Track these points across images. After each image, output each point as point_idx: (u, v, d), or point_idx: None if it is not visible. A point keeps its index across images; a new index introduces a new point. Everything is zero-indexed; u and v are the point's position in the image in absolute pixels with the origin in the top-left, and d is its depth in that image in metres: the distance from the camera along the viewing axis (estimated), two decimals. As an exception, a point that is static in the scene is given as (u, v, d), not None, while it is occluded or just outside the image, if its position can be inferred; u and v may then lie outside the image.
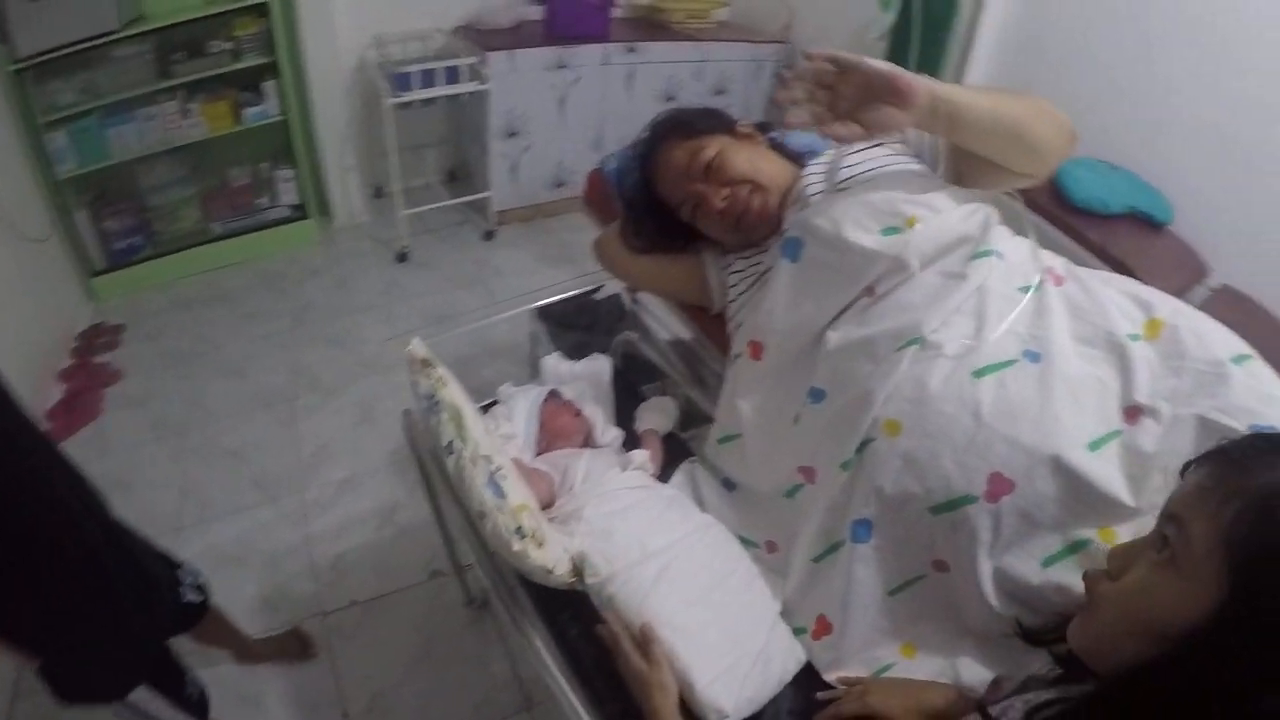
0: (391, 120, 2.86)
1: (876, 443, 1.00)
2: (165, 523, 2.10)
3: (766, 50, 3.69)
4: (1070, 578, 0.89)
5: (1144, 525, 0.88)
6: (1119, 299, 1.05)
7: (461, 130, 3.57)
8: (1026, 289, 1.05)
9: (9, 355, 2.33)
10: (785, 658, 1.06)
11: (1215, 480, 0.60)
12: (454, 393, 1.18)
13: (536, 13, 3.26)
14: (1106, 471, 0.90)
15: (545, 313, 2.43)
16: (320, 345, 2.73)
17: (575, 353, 1.65)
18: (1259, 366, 0.95)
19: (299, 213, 3.18)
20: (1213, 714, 0.54)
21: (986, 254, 1.07)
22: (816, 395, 1.12)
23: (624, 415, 1.50)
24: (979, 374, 0.97)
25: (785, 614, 1.12)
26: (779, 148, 1.42)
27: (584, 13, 3.12)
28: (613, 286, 2.42)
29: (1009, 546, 0.92)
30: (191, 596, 1.48)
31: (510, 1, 3.22)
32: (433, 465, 1.29)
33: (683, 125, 1.36)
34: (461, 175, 3.73)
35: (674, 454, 1.42)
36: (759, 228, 1.30)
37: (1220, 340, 0.98)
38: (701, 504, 1.29)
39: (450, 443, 1.11)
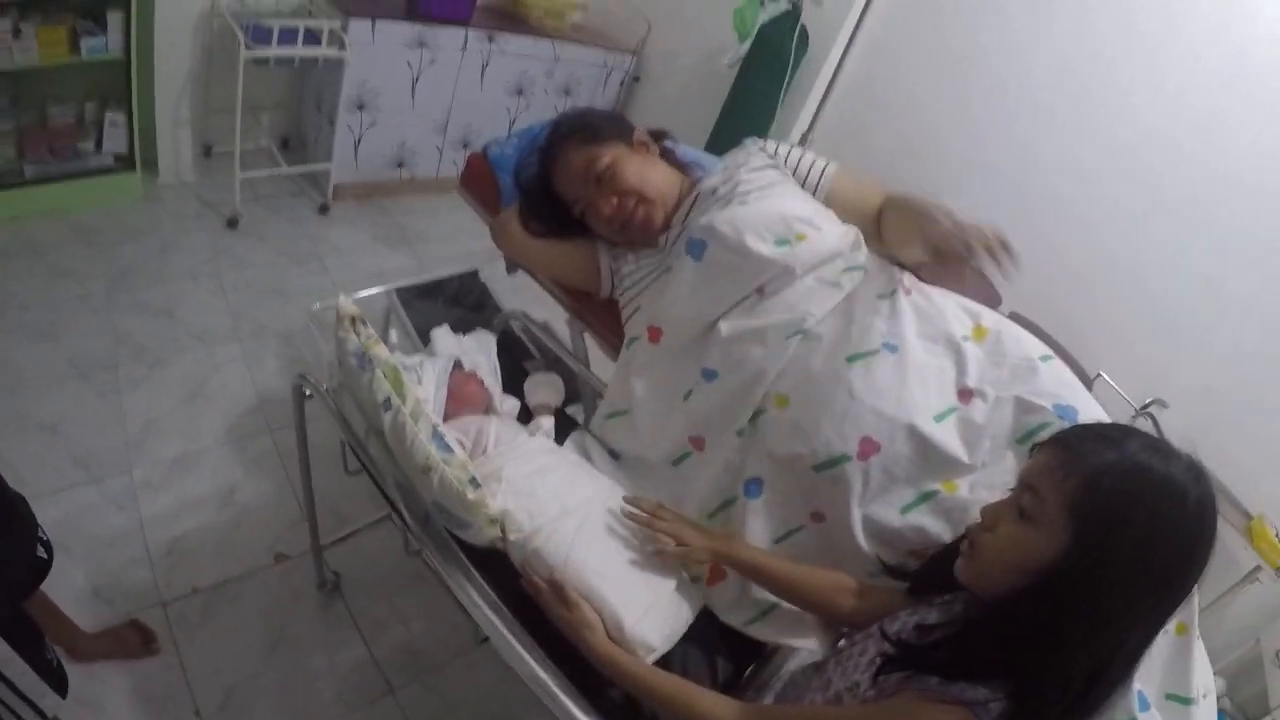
0: (244, 75, 2.69)
1: (768, 413, 1.23)
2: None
3: (617, 59, 3.85)
4: (923, 520, 1.15)
5: (976, 479, 1.17)
6: (954, 308, 1.34)
7: (302, 96, 3.41)
8: (883, 296, 1.32)
9: None
10: (691, 600, 1.21)
11: (1059, 461, 0.85)
12: (386, 350, 1.21)
13: (402, -16, 3.18)
14: (948, 437, 1.18)
15: (403, 294, 2.45)
16: (143, 312, 2.52)
17: (426, 327, 1.73)
18: (1059, 364, 1.28)
19: (124, 164, 2.86)
20: (1064, 625, 0.80)
21: (856, 268, 1.33)
22: (709, 375, 1.32)
23: (508, 389, 1.58)
24: (850, 360, 1.22)
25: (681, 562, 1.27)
26: (668, 156, 1.59)
27: (453, -6, 3.10)
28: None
29: (875, 497, 1.17)
30: (42, 553, 1.36)
31: (376, -32, 3.11)
32: (340, 424, 1.32)
33: (585, 129, 1.50)
34: (295, 144, 3.55)
35: (560, 427, 1.52)
36: (642, 235, 1.48)
37: (1030, 343, 1.30)
38: (591, 472, 1.40)
39: (387, 399, 1.14)
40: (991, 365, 1.26)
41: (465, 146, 3.67)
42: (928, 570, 1.07)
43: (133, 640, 1.69)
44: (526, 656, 1.08)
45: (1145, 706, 1.01)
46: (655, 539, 1.18)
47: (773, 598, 1.21)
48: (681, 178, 1.54)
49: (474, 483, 1.09)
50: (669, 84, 3.85)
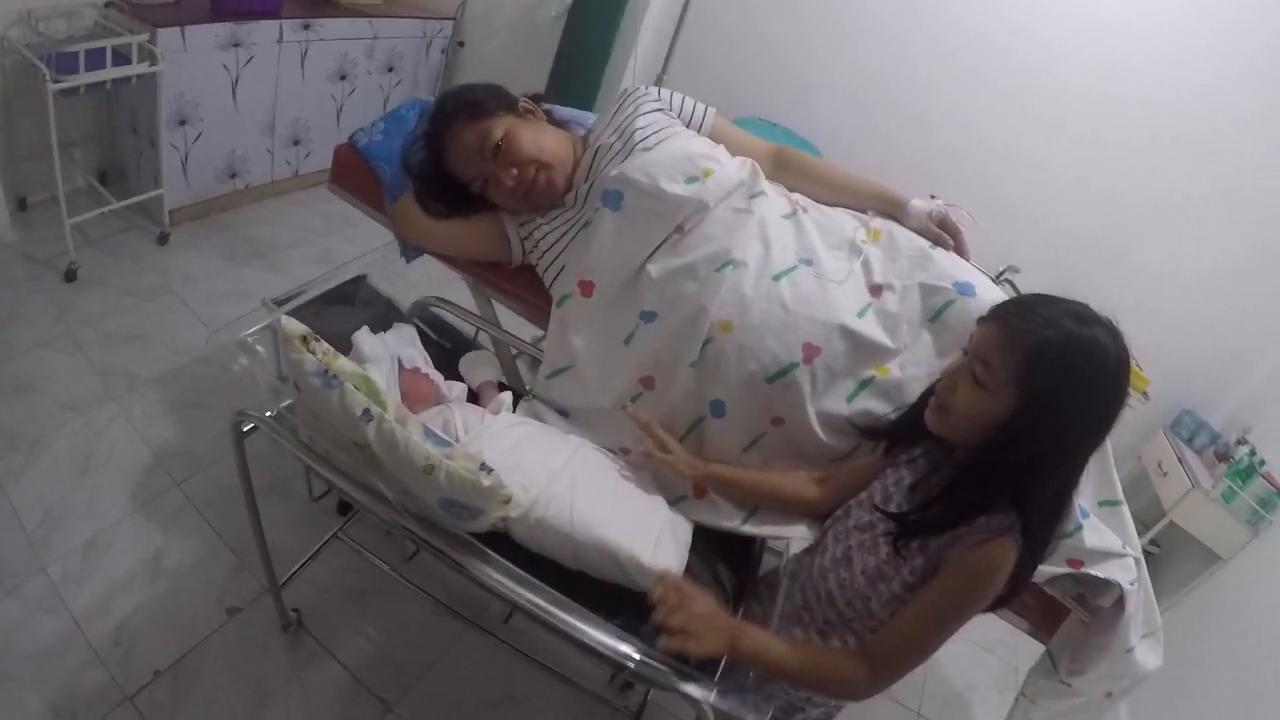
0: (53, 110, 2.42)
1: (716, 341, 1.33)
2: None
3: (436, 26, 3.76)
4: (867, 404, 1.32)
5: (903, 360, 1.34)
6: (845, 218, 1.50)
7: (113, 123, 3.13)
8: (786, 216, 1.45)
9: None
10: (682, 526, 1.32)
11: (1004, 337, 1.03)
12: (349, 363, 1.20)
13: (199, -15, 2.92)
14: (872, 329, 1.33)
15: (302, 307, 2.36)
16: (2, 395, 2.29)
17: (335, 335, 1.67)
18: (943, 250, 1.44)
19: None
20: (1034, 459, 1.01)
21: (760, 194, 1.44)
22: (648, 316, 1.40)
23: (444, 374, 1.61)
24: (776, 278, 1.34)
25: (664, 488, 1.39)
26: (550, 118, 1.63)
27: (256, -15, 2.91)
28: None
29: (823, 394, 1.31)
30: None
31: (167, -28, 2.85)
32: (296, 446, 1.31)
33: (471, 105, 1.51)
34: (115, 176, 3.26)
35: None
36: (546, 200, 1.53)
37: (917, 237, 1.46)
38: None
39: (367, 410, 1.13)
40: (890, 261, 1.42)
41: (296, 143, 3.52)
42: (900, 424, 1.26)
43: None
44: (570, 617, 1.14)
45: (1085, 515, 1.25)
46: (648, 443, 1.33)
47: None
48: (571, 137, 1.58)
49: (485, 469, 1.11)
50: (494, 44, 3.80)
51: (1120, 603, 1.28)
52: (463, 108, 1.50)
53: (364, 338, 1.59)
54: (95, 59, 2.50)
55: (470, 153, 1.49)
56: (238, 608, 1.92)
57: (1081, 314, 1.02)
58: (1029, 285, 1.76)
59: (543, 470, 1.26)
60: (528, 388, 1.63)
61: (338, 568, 2.06)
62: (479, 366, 1.62)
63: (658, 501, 1.34)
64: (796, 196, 1.53)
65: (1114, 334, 1.01)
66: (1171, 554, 2.80)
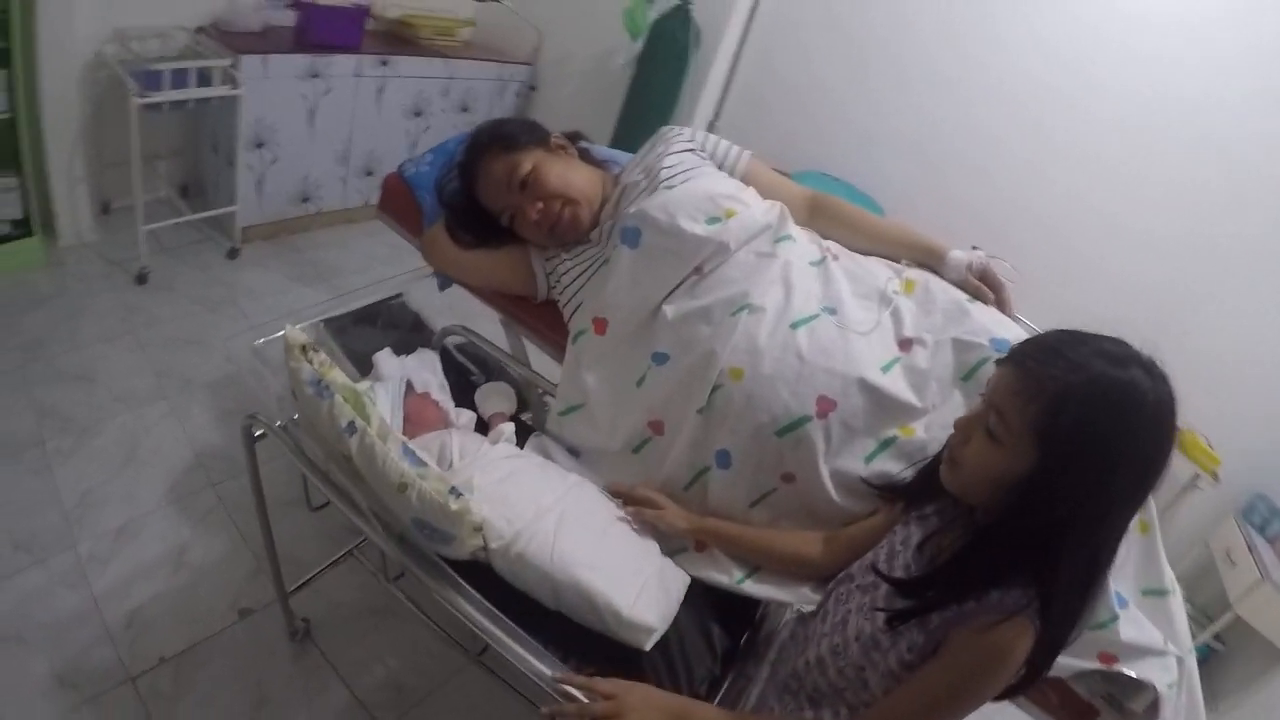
0: (137, 124, 2.58)
1: (725, 388, 1.26)
2: (-87, 609, 1.75)
3: (512, 70, 3.87)
4: (886, 466, 1.22)
5: (930, 420, 1.24)
6: (880, 267, 1.42)
7: (198, 140, 3.30)
8: (814, 263, 1.39)
9: None
10: (677, 578, 1.24)
11: (1020, 385, 0.89)
12: (342, 375, 1.20)
13: (287, 18, 3.11)
14: (897, 385, 1.24)
15: (329, 322, 2.40)
16: (63, 382, 2.40)
17: (363, 354, 1.71)
18: (982, 305, 1.35)
19: (21, 229, 2.72)
20: (1058, 527, 0.86)
21: (786, 238, 1.39)
22: (660, 358, 1.35)
23: (460, 404, 1.59)
24: (795, 325, 1.28)
25: (664, 538, 1.31)
26: (585, 155, 1.62)
27: (340, 22, 3.06)
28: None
29: (839, 451, 1.23)
30: None
31: (258, 4, 3.04)
32: (301, 460, 1.30)
33: (502, 138, 1.52)
34: (195, 190, 3.43)
35: (517, 434, 1.52)
36: (571, 235, 1.51)
37: (955, 289, 1.37)
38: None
39: (351, 423, 1.13)
40: (924, 314, 1.34)
41: (369, 174, 3.62)
42: (916, 480, 1.16)
43: None
44: (531, 658, 1.09)
45: (1124, 604, 1.10)
46: (638, 511, 1.28)
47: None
48: (603, 175, 1.57)
49: (454, 493, 1.09)
50: (566, 90, 3.88)
51: (1155, 707, 1.11)
52: (495, 140, 1.51)
53: (384, 358, 1.61)
54: (180, 79, 2.65)
55: (499, 184, 1.49)
56: (250, 610, 1.94)
57: (1114, 353, 0.87)
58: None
59: (531, 504, 1.23)
60: (535, 425, 1.62)
61: (355, 584, 2.07)
62: (492, 397, 1.60)
63: (650, 549, 1.27)
64: (829, 244, 1.47)
65: (1155, 375, 0.86)
66: (1237, 651, 2.58)
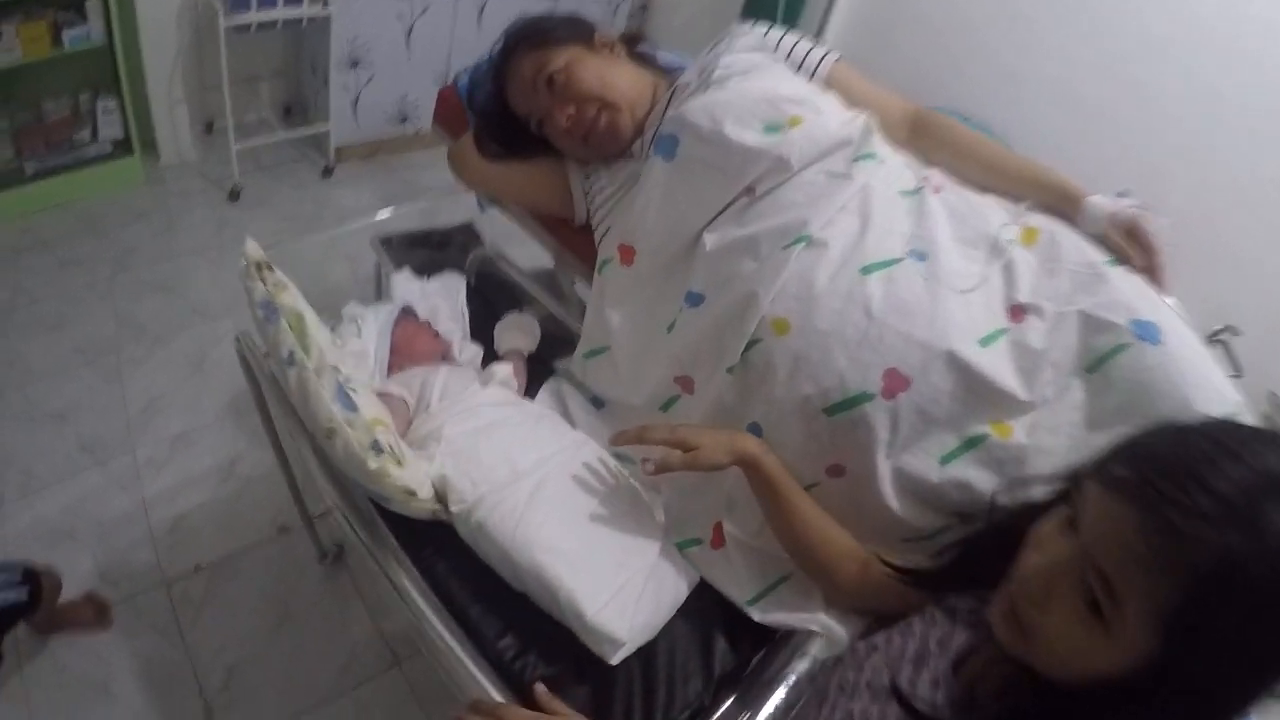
0: (225, 45, 2.49)
1: (764, 343, 0.96)
2: (-13, 499, 1.81)
3: None
4: (968, 473, 0.89)
5: (1036, 420, 0.89)
6: (992, 208, 1.06)
7: (299, 61, 3.20)
8: (908, 193, 1.04)
9: None
10: (676, 580, 0.99)
11: (1145, 541, 0.50)
12: (294, 298, 1.02)
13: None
14: (998, 365, 0.90)
15: (390, 244, 2.27)
16: (147, 292, 2.40)
17: (425, 274, 1.50)
18: (1127, 269, 0.97)
19: (122, 149, 2.74)
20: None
21: (868, 157, 1.05)
22: (693, 299, 1.06)
23: (480, 337, 1.38)
24: (867, 270, 0.94)
25: (676, 525, 1.05)
26: (642, 58, 1.32)
27: (432, -66, 2.85)
28: (461, 214, 2.29)
29: (907, 445, 0.91)
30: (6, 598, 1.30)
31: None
32: (273, 393, 1.13)
33: (535, 34, 1.24)
34: (298, 110, 3.35)
35: (538, 377, 1.31)
36: (608, 146, 1.22)
37: (1090, 246, 1.00)
38: (571, 423, 1.20)
39: (291, 353, 0.96)
40: (1047, 275, 0.97)
41: (470, 94, 3.45)
42: (948, 575, 0.77)
43: (87, 613, 1.60)
44: (458, 663, 0.90)
45: None
46: (661, 463, 0.93)
47: (781, 570, 0.98)
48: (655, 79, 1.27)
49: (375, 448, 0.89)
50: (683, 9, 3.53)
51: None
52: (527, 35, 1.25)
53: (400, 279, 1.44)
54: (268, 0, 2.51)
55: (528, 85, 1.22)
56: (289, 528, 1.87)
57: None
58: (1253, 355, 1.26)
59: (505, 465, 1.01)
60: (555, 367, 1.37)
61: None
62: (510, 331, 1.36)
63: (647, 539, 1.00)
64: (930, 172, 1.10)
65: None
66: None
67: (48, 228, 2.58)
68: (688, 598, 0.99)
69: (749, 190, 1.06)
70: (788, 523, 0.92)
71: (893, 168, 1.08)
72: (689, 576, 1.00)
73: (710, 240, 1.06)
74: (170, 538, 1.80)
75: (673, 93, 1.19)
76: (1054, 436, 0.87)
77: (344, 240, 2.76)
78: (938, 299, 0.92)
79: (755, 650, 0.97)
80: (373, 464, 0.89)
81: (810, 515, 0.91)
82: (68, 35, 2.40)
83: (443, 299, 1.41)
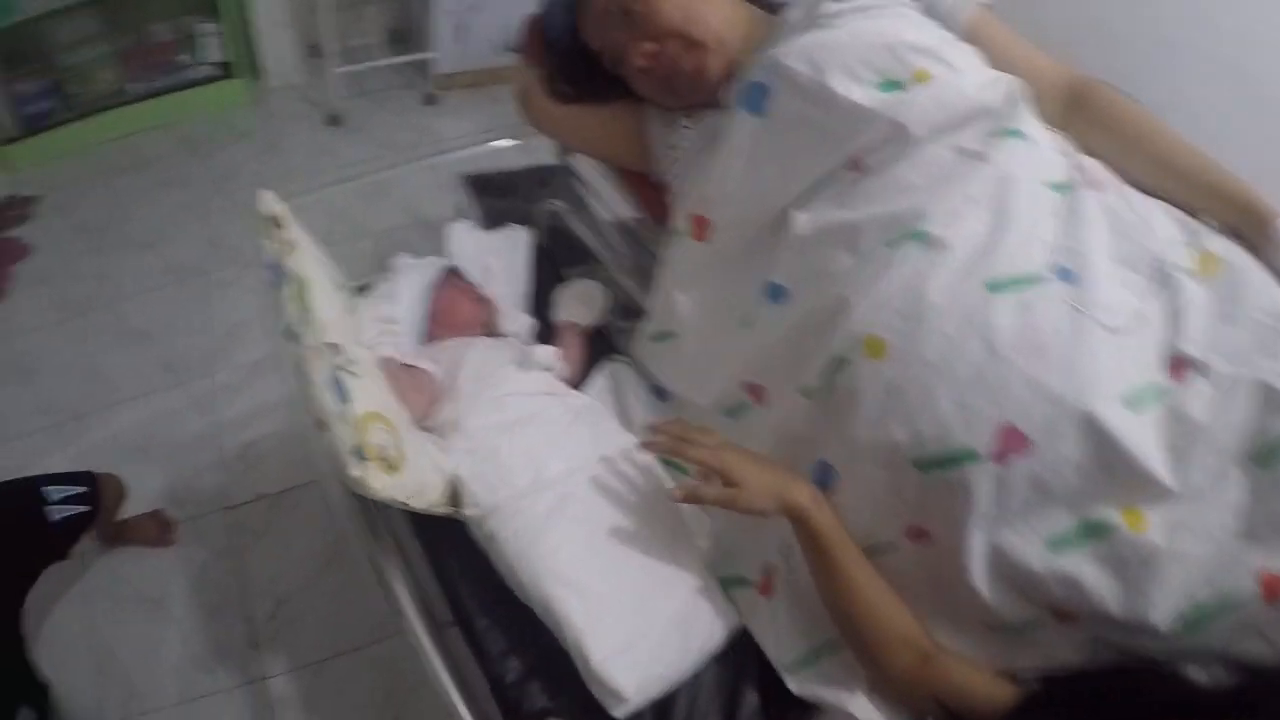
0: None
1: (852, 366, 0.76)
2: (68, 409, 1.87)
3: None
4: (1081, 568, 0.68)
5: (1179, 516, 0.67)
6: (1163, 219, 0.80)
7: (407, -16, 3.10)
8: (1059, 187, 0.80)
9: None
10: (711, 624, 0.85)
11: None
12: (305, 261, 0.92)
13: None
14: (1144, 437, 0.68)
15: (478, 183, 2.15)
16: (239, 215, 2.36)
17: (497, 223, 1.37)
18: None
19: (224, 72, 2.74)
20: None
21: (1013, 134, 0.81)
22: (775, 293, 0.87)
23: (543, 302, 1.23)
24: (996, 287, 0.72)
25: (724, 557, 0.90)
26: None
27: None
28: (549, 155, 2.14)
29: (1011, 520, 0.71)
30: (65, 512, 1.29)
31: None
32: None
33: None
34: (406, 35, 3.25)
35: (600, 354, 1.16)
36: (692, 92, 1.00)
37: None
38: (625, 415, 1.06)
39: (288, 326, 0.86)
40: (1223, 321, 0.72)
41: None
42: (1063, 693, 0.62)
43: (151, 529, 1.62)
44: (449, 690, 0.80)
45: None
46: (693, 491, 0.81)
47: (832, 633, 0.81)
48: (760, 16, 1.03)
49: (358, 453, 0.78)
50: None
51: None
52: None
53: (457, 231, 1.31)
54: None
55: (602, 15, 1.02)
56: (350, 469, 1.83)
57: None
58: None
59: (526, 471, 0.89)
60: (619, 344, 1.21)
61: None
62: (572, 300, 1.21)
63: (676, 581, 0.86)
64: (1089, 162, 0.86)
65: None
66: None
67: (149, 148, 2.60)
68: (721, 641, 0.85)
69: (854, 162, 0.85)
70: (836, 592, 0.75)
71: (1042, 151, 0.83)
72: (727, 619, 0.86)
73: (801, 221, 0.86)
74: (239, 464, 1.80)
75: (777, 35, 0.96)
76: (1198, 542, 0.66)
77: (451, 170, 2.69)
78: (1082, 337, 0.70)
79: (788, 713, 0.82)
80: (353, 470, 0.78)
81: (865, 588, 0.74)
82: (169, -41, 2.36)
83: (498, 257, 1.27)
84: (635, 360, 1.13)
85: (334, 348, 0.86)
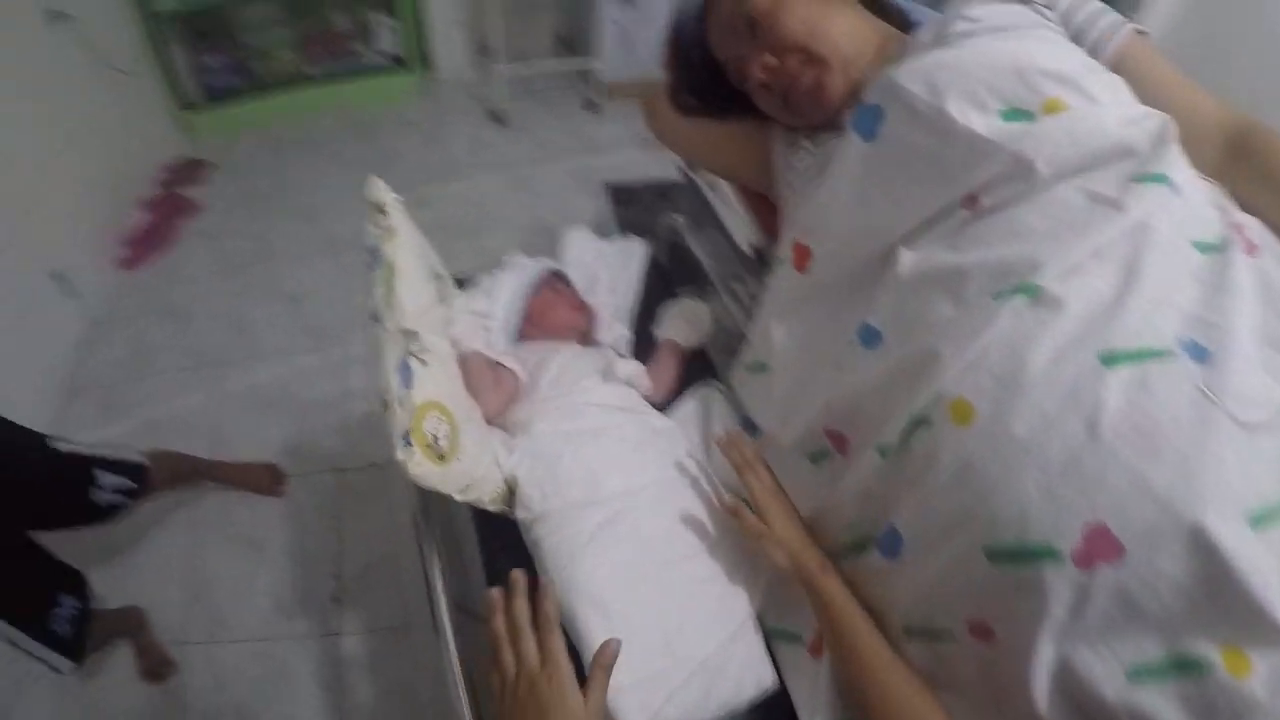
0: None
1: (933, 429, 0.66)
2: (215, 356, 2.04)
3: None
4: (1161, 707, 0.55)
5: None
6: None
7: (579, -8, 3.18)
8: (1207, 247, 0.66)
9: (96, 179, 2.30)
10: (743, 675, 0.78)
11: None
12: (401, 248, 0.93)
13: None
14: (1266, 565, 0.54)
15: (621, 190, 2.16)
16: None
17: (631, 232, 1.36)
18: None
19: (397, 63, 2.93)
20: None
21: (1158, 179, 0.68)
22: (869, 336, 0.79)
23: (649, 317, 1.20)
24: (1111, 360, 0.60)
25: (778, 608, 0.83)
26: (884, 7, 0.98)
27: None
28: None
29: (1088, 635, 0.58)
30: (110, 498, 1.34)
31: None
32: None
33: None
34: (573, 42, 3.34)
35: (696, 377, 1.11)
36: (811, 111, 0.92)
37: None
38: (708, 443, 1.00)
39: (375, 309, 0.88)
40: None
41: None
42: None
43: (264, 478, 1.72)
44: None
45: None
46: (736, 507, 0.81)
47: None
48: (893, 34, 0.93)
49: (406, 439, 0.78)
50: None
51: None
52: None
53: (573, 237, 1.31)
54: None
55: (727, 26, 0.95)
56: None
57: None
58: None
59: (583, 484, 0.85)
60: (718, 369, 1.15)
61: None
62: (676, 319, 1.16)
63: (714, 625, 0.80)
64: (1247, 220, 0.71)
65: None
66: None
67: (322, 128, 2.81)
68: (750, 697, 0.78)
69: (970, 199, 0.74)
70: (848, 672, 0.68)
71: (1191, 203, 0.69)
72: (758, 676, 0.79)
73: (907, 261, 0.76)
74: (358, 431, 1.89)
75: (905, 53, 0.87)
76: None
77: (598, 176, 2.73)
78: (1208, 431, 0.57)
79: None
80: (399, 453, 0.78)
81: (880, 671, 0.66)
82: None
83: (607, 266, 1.25)
84: (730, 389, 1.06)
85: (410, 334, 0.86)
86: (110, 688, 1.48)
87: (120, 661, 1.50)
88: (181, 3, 2.53)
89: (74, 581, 1.32)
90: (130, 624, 1.50)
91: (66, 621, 1.26)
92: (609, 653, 0.64)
